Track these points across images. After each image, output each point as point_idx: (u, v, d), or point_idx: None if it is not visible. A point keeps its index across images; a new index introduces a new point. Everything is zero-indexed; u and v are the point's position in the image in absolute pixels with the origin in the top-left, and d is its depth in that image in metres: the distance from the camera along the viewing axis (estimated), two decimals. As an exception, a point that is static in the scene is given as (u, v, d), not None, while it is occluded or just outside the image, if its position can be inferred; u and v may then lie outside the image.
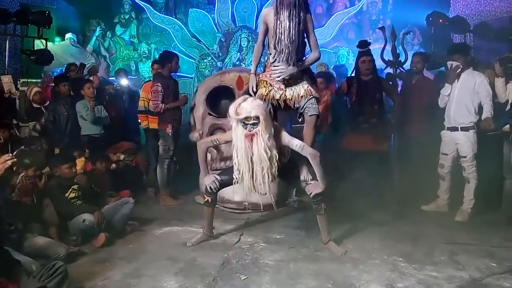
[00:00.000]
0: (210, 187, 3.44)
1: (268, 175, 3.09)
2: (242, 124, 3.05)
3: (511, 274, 2.93)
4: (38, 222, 3.35)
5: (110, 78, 7.34)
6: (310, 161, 3.19)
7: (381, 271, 2.98)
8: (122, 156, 5.33)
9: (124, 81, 6.52)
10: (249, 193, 3.23)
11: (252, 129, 3.03)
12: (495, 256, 3.24)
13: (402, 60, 5.40)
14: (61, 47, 7.73)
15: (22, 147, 4.19)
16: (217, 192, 3.50)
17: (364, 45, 4.80)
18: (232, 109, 3.06)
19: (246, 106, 3.02)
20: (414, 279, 2.86)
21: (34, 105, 5.36)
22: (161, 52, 6.18)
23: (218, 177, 3.46)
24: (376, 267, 3.06)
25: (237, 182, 3.23)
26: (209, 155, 4.88)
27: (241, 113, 3.02)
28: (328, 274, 2.94)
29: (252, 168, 3.09)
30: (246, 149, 3.06)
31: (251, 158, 3.07)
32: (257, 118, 3.01)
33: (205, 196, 3.51)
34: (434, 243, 3.53)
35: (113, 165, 5.11)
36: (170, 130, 4.86)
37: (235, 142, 3.13)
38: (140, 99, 5.42)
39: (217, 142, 3.43)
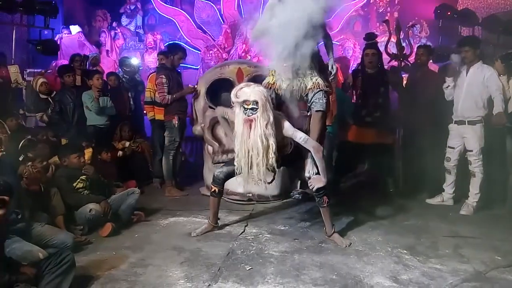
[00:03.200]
0: (217, 176, 3.46)
1: (262, 163, 3.07)
2: (243, 109, 3.07)
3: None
4: (45, 211, 3.39)
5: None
6: (313, 155, 3.19)
7: (385, 263, 2.99)
8: (127, 143, 5.38)
9: (128, 71, 6.53)
10: (247, 180, 3.23)
11: (250, 114, 3.03)
12: (499, 250, 3.24)
13: (407, 53, 5.35)
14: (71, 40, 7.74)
15: (29, 136, 4.22)
16: (223, 182, 3.51)
17: (369, 37, 4.77)
18: (233, 92, 3.09)
19: (247, 90, 3.04)
20: (418, 271, 2.87)
21: (41, 95, 5.38)
22: (168, 43, 6.18)
23: (225, 167, 3.48)
24: (380, 259, 3.07)
25: (238, 170, 3.23)
26: (210, 148, 4.91)
27: (240, 96, 3.04)
28: (332, 265, 2.95)
29: (249, 155, 3.08)
30: (243, 135, 3.07)
31: (248, 144, 3.06)
32: (256, 103, 3.01)
33: (212, 186, 3.52)
34: (438, 236, 3.53)
35: (120, 153, 5.17)
36: (176, 122, 4.88)
37: (236, 127, 3.14)
38: (147, 89, 5.44)
39: (227, 115, 3.42)
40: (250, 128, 3.04)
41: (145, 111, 5.70)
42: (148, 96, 5.36)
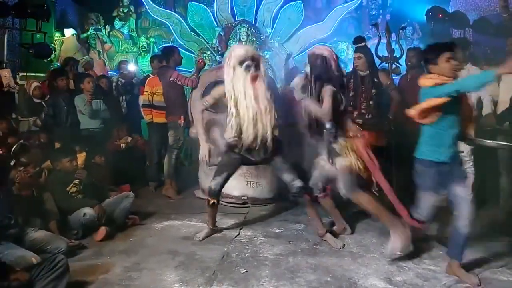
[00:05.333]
0: (214, 190, 3.46)
1: (270, 121, 3.16)
2: (245, 67, 3.12)
3: (507, 268, 2.97)
4: (39, 216, 3.36)
5: (110, 72, 7.33)
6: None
7: (380, 265, 3.01)
8: (129, 139, 5.48)
9: (126, 75, 6.53)
10: (249, 142, 3.23)
11: (254, 70, 3.13)
12: (492, 250, 3.27)
13: (398, 56, 5.39)
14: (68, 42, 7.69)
15: (21, 141, 4.19)
16: (220, 192, 3.53)
17: (356, 41, 4.83)
18: (228, 56, 3.21)
19: (241, 50, 3.18)
20: (412, 272, 2.89)
21: (35, 99, 5.35)
22: (162, 48, 6.18)
23: (218, 177, 3.48)
24: (374, 261, 3.09)
25: (235, 137, 3.26)
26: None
27: (237, 56, 3.13)
28: (326, 267, 2.96)
29: (255, 114, 3.14)
30: (248, 94, 3.13)
31: (255, 101, 3.13)
32: (254, 59, 3.14)
33: (210, 199, 3.50)
34: (432, 237, 3.55)
35: (123, 145, 5.29)
36: (182, 122, 4.97)
37: (238, 89, 3.16)
38: (145, 93, 5.37)
39: (207, 102, 3.50)
40: (255, 84, 3.12)
41: (143, 114, 5.65)
42: (146, 100, 5.31)
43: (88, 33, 8.02)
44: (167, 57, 5.08)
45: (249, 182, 4.56)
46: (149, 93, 5.28)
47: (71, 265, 2.57)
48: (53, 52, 6.86)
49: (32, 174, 3.42)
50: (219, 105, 4.24)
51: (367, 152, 3.06)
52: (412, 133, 4.64)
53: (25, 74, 5.95)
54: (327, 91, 3.02)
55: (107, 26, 8.46)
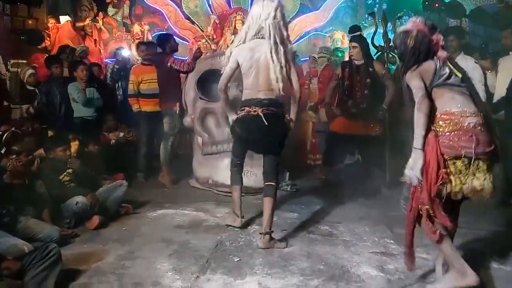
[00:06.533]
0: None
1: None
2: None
3: (499, 256, 2.99)
4: (31, 204, 3.34)
5: (105, 60, 7.25)
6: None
7: (372, 253, 3.03)
8: (121, 134, 5.35)
9: (121, 61, 6.45)
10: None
11: None
12: (483, 239, 3.30)
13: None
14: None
15: (13, 128, 4.14)
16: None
17: (352, 30, 4.82)
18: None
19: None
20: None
21: (28, 87, 5.26)
22: (157, 36, 6.10)
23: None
24: (367, 249, 3.11)
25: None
26: (200, 139, 4.90)
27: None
28: (319, 256, 2.98)
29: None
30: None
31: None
32: None
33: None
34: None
35: (113, 141, 5.17)
36: (178, 109, 4.99)
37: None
38: (130, 82, 5.29)
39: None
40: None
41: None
42: (131, 89, 5.23)
43: (86, 22, 7.88)
44: (163, 45, 5.07)
45: (243, 171, 4.56)
46: (134, 82, 5.19)
47: (64, 253, 2.56)
48: (48, 39, 6.77)
49: (24, 162, 3.39)
50: (213, 94, 4.21)
51: None
52: (407, 122, 4.67)
53: (17, 61, 5.86)
54: None
55: (100, 13, 8.32)
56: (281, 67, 3.10)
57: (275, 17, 3.11)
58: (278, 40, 3.12)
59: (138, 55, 5.67)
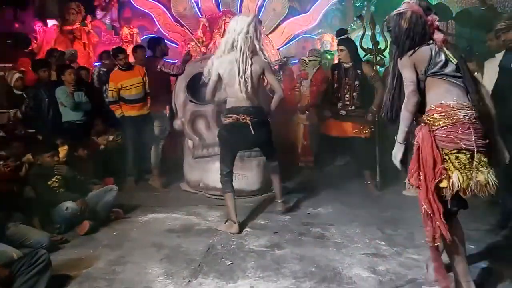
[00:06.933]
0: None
1: None
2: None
3: (488, 255, 3.03)
4: (20, 211, 3.30)
5: (94, 64, 7.20)
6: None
7: (364, 255, 3.05)
8: (110, 137, 5.25)
9: (107, 64, 6.37)
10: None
11: None
12: (473, 239, 3.33)
13: (382, 48, 5.42)
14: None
15: (1, 133, 4.09)
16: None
17: (339, 33, 4.89)
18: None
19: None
20: (395, 262, 2.94)
21: (16, 91, 5.17)
22: (147, 40, 6.05)
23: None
24: (358, 250, 3.13)
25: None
26: (190, 143, 4.88)
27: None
28: (311, 258, 2.99)
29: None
30: None
31: None
32: None
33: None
34: (415, 227, 3.59)
35: (102, 146, 5.11)
36: (168, 112, 5.04)
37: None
38: (109, 89, 5.11)
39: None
40: None
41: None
42: (111, 96, 5.05)
43: (75, 26, 7.81)
44: (153, 48, 5.12)
45: (234, 174, 4.55)
46: (113, 89, 5.00)
47: (54, 259, 2.54)
48: (35, 41, 6.69)
49: (12, 167, 3.35)
50: (203, 97, 4.23)
51: None
52: (397, 123, 4.72)
53: (3, 65, 5.77)
54: None
55: (88, 16, 8.26)
56: (245, 80, 3.37)
57: (247, 32, 3.39)
58: (248, 53, 3.38)
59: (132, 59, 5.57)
